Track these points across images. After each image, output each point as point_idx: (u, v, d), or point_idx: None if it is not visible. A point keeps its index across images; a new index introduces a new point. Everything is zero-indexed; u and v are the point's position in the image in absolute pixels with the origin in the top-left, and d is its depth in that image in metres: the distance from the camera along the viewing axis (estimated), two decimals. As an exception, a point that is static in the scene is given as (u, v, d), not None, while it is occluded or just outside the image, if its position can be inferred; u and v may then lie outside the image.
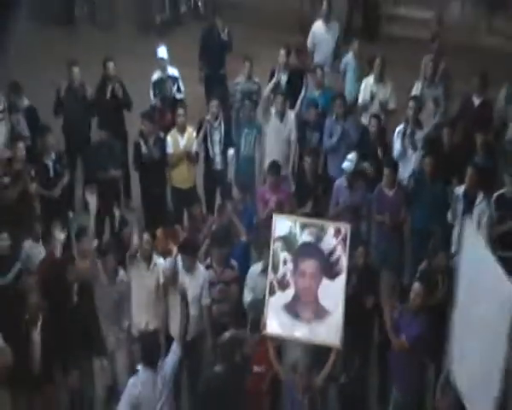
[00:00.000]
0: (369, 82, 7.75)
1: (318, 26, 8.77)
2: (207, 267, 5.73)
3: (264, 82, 7.95)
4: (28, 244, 5.94)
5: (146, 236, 5.70)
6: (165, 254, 5.85)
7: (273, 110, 7.28)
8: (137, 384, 4.69)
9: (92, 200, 5.91)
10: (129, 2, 11.08)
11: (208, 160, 7.26)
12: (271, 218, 5.53)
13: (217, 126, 7.16)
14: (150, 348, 4.79)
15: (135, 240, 5.78)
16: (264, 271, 5.48)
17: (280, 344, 5.25)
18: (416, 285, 5.19)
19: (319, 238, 5.03)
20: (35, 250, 5.94)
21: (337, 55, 8.67)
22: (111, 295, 5.53)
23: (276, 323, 5.03)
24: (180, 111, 7.06)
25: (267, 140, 7.27)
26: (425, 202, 6.42)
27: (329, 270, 5.00)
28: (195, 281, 5.53)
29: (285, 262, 5.05)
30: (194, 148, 7.10)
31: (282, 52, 7.90)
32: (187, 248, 5.61)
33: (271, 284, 5.06)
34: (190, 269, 5.55)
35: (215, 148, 7.19)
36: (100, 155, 6.98)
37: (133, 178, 7.60)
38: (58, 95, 7.45)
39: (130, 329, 5.64)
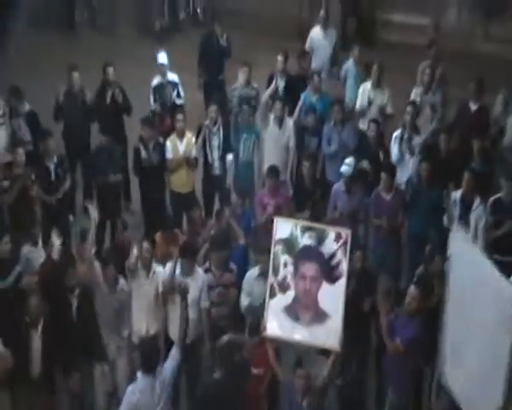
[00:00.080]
0: (366, 88, 7.80)
1: (316, 32, 8.86)
2: (206, 271, 5.74)
3: (262, 87, 8.01)
4: (27, 249, 5.96)
5: (146, 244, 5.70)
6: (165, 257, 5.89)
7: (271, 116, 7.32)
8: (136, 392, 4.71)
9: (94, 211, 5.97)
10: (129, 7, 11.16)
11: (207, 165, 7.29)
12: (269, 222, 5.57)
13: (215, 132, 7.20)
14: (149, 354, 4.80)
15: (134, 251, 5.80)
16: (261, 275, 5.53)
17: (279, 346, 5.26)
18: (412, 289, 5.20)
19: (320, 242, 5.07)
20: (34, 254, 5.95)
21: (334, 61, 8.77)
22: (111, 303, 5.55)
23: (276, 325, 5.06)
24: (179, 116, 7.10)
25: (265, 146, 7.29)
26: (422, 207, 6.45)
27: (330, 274, 5.03)
28: (194, 284, 5.54)
29: (285, 265, 5.07)
30: (194, 153, 7.14)
31: (280, 58, 7.95)
32: (186, 252, 5.63)
33: (272, 286, 5.09)
34: (189, 272, 5.56)
35: (214, 153, 7.23)
36: (100, 160, 7.01)
37: (133, 182, 7.62)
38: (57, 101, 7.49)
39: (131, 337, 5.65)
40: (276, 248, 5.11)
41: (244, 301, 5.65)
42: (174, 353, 4.90)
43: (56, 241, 5.92)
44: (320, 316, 5.01)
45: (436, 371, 5.00)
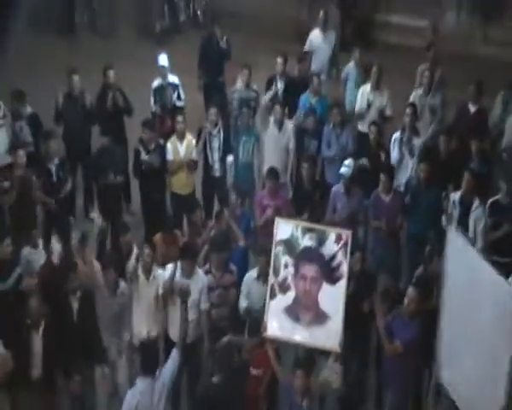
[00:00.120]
0: (365, 90, 7.82)
1: (315, 35, 8.89)
2: (206, 272, 5.77)
3: (262, 90, 8.03)
4: (27, 251, 5.97)
5: (147, 250, 5.72)
6: (165, 259, 5.91)
7: (271, 119, 7.34)
8: (136, 395, 4.74)
9: (99, 221, 6.00)
10: (129, 9, 11.18)
11: (207, 166, 7.32)
12: (269, 224, 5.59)
13: (216, 134, 7.22)
14: (149, 356, 4.83)
15: (134, 255, 5.82)
16: (259, 277, 5.56)
17: (278, 346, 5.28)
18: (411, 290, 5.20)
19: (320, 243, 5.09)
20: (34, 256, 5.96)
21: (333, 63, 8.80)
22: (112, 306, 5.57)
23: (276, 326, 5.09)
24: (179, 118, 7.12)
25: (265, 148, 7.32)
26: (421, 208, 6.47)
27: (330, 275, 5.06)
28: (195, 286, 5.56)
29: (286, 266, 5.11)
30: (194, 155, 7.16)
31: (280, 60, 7.98)
32: (186, 253, 5.65)
33: (272, 286, 5.12)
34: (189, 274, 5.59)
35: (214, 155, 7.25)
36: (102, 162, 7.03)
37: (133, 184, 7.63)
38: (57, 106, 7.50)
39: (132, 340, 5.67)
40: (277, 249, 5.14)
41: (243, 302, 5.67)
42: (174, 355, 4.92)
43: (57, 245, 5.95)
44: (320, 317, 5.04)
45: (433, 373, 5.01)
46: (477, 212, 6.25)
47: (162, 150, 7.09)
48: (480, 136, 7.12)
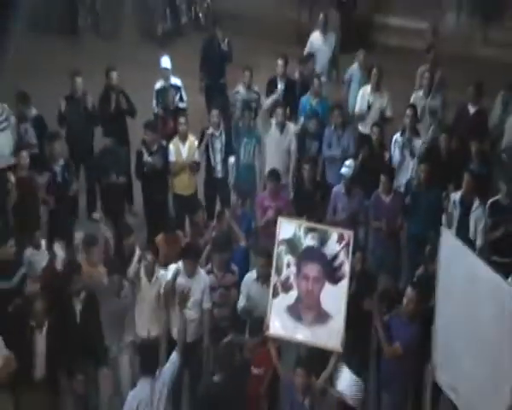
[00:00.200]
0: (366, 91, 7.86)
1: (316, 37, 8.94)
2: (208, 272, 5.79)
3: (263, 91, 8.08)
4: (29, 252, 6.00)
5: (149, 256, 5.72)
6: (167, 259, 5.95)
7: (273, 121, 7.37)
8: (136, 395, 4.76)
9: (106, 231, 6.04)
10: (131, 12, 11.25)
11: (209, 168, 7.35)
12: (270, 225, 5.61)
13: (218, 135, 7.26)
14: (149, 356, 4.85)
15: (135, 258, 5.85)
16: (258, 279, 5.57)
17: (280, 345, 5.29)
18: (409, 291, 5.18)
19: (323, 243, 5.11)
20: (37, 257, 5.99)
21: (333, 65, 8.85)
22: (115, 308, 5.58)
23: (278, 325, 5.10)
24: (181, 120, 7.16)
25: (267, 150, 7.34)
26: (421, 209, 6.49)
27: (332, 275, 5.06)
28: (197, 286, 5.60)
29: (289, 265, 5.11)
30: (196, 157, 7.20)
31: (280, 62, 8.02)
32: (189, 253, 5.68)
33: (275, 285, 5.12)
34: (192, 274, 5.61)
35: (216, 156, 7.29)
36: (105, 162, 7.06)
37: (135, 185, 7.64)
38: (60, 110, 7.54)
39: (134, 340, 5.68)
40: (280, 249, 5.15)
41: (241, 302, 5.68)
42: (174, 356, 4.96)
43: (60, 252, 5.98)
44: (322, 316, 5.04)
45: (430, 373, 4.98)
46: (477, 212, 6.28)
47: (164, 152, 7.13)
48: (480, 137, 7.15)
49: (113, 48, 10.37)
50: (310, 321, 5.06)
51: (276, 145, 7.32)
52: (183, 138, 7.17)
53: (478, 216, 6.27)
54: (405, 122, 7.22)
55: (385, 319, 5.24)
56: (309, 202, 6.69)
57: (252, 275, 5.69)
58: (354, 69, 8.32)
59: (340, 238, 5.10)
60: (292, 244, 5.15)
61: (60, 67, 8.90)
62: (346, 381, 4.92)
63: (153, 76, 8.15)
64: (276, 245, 5.18)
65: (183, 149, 7.18)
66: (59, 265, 5.90)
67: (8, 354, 5.07)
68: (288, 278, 5.12)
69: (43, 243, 6.13)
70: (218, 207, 7.39)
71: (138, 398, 4.74)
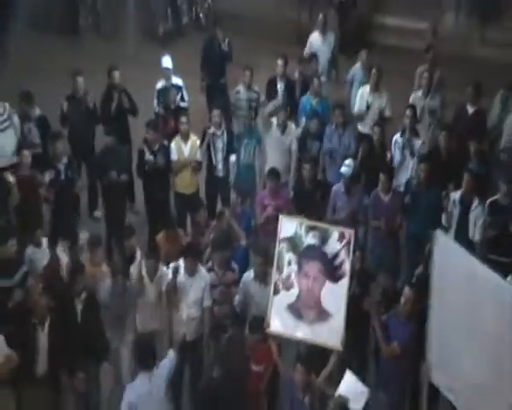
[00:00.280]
0: (365, 91, 7.89)
1: (315, 37, 8.98)
2: (209, 270, 5.83)
3: (262, 90, 8.10)
4: (30, 250, 6.03)
5: (150, 262, 5.72)
6: (168, 257, 5.97)
7: (274, 122, 7.40)
8: (135, 390, 4.77)
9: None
10: (132, 12, 11.28)
11: (211, 167, 7.38)
12: (269, 224, 5.63)
13: (219, 135, 7.29)
14: (146, 351, 4.85)
15: (137, 259, 5.88)
16: (256, 278, 5.60)
17: (280, 342, 5.32)
18: (407, 290, 5.19)
19: (323, 241, 5.12)
20: (38, 255, 6.01)
21: (333, 65, 8.89)
22: (117, 307, 5.61)
23: (279, 322, 5.12)
24: (183, 119, 7.19)
25: (268, 150, 7.36)
26: (420, 208, 6.50)
27: (333, 273, 5.08)
28: (197, 284, 5.64)
29: (290, 263, 5.14)
30: (198, 156, 7.23)
31: (280, 62, 8.06)
32: (190, 252, 5.72)
33: (276, 283, 5.15)
34: (192, 272, 5.65)
35: (218, 155, 7.31)
36: (106, 161, 7.08)
37: (137, 183, 7.65)
38: (62, 111, 7.56)
39: (135, 337, 5.68)
40: (281, 247, 5.17)
41: (237, 298, 5.71)
42: (171, 353, 4.99)
43: (63, 256, 6.00)
44: (322, 315, 5.06)
45: (425, 374, 4.96)
46: (476, 211, 6.31)
47: (166, 151, 7.15)
48: (479, 137, 7.17)
49: (114, 48, 10.39)
50: (310, 319, 5.08)
51: (276, 145, 7.35)
52: (185, 137, 7.20)
53: (477, 215, 6.30)
54: (405, 122, 7.24)
55: (383, 318, 5.26)
56: (309, 201, 6.69)
57: (250, 274, 5.72)
58: (357, 69, 8.35)
59: (341, 237, 5.12)
60: (293, 242, 5.17)
61: (60, 67, 8.93)
62: (352, 388, 4.85)
63: (154, 76, 8.18)
64: (277, 243, 5.20)
65: (185, 148, 7.20)
66: (63, 270, 5.90)
67: (10, 353, 5.08)
68: (289, 276, 5.14)
69: (45, 241, 6.14)
70: (219, 205, 7.42)
71: (138, 393, 4.76)
